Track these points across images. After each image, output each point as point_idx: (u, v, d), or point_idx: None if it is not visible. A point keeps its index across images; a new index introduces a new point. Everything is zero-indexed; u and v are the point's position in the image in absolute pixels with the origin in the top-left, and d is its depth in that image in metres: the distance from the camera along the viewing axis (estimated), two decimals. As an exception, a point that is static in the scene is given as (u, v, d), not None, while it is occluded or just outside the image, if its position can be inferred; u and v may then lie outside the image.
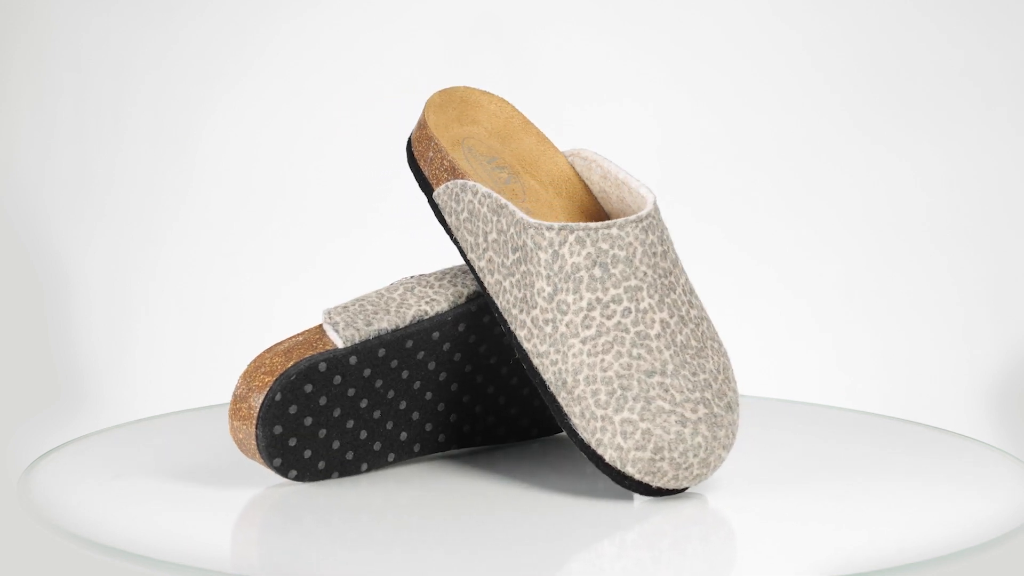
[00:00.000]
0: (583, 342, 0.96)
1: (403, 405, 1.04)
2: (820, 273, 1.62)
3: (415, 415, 1.05)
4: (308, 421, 1.00)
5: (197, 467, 1.04)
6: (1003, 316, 1.60)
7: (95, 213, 1.64)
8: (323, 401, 1.01)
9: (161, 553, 0.87)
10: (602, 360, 0.96)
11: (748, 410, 1.16)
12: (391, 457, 1.04)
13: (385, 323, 1.03)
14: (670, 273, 0.99)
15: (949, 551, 0.88)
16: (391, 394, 1.03)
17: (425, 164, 1.06)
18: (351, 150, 1.65)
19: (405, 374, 1.03)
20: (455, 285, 1.06)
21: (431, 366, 1.04)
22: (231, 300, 1.63)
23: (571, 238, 0.97)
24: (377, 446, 1.03)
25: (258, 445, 1.00)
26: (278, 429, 0.99)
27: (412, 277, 1.07)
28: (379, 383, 1.03)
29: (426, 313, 1.04)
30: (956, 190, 1.62)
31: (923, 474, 1.04)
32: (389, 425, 1.04)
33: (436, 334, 1.04)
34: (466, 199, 1.02)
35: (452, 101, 1.08)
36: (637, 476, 0.95)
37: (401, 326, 1.03)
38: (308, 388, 1.00)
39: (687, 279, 1.00)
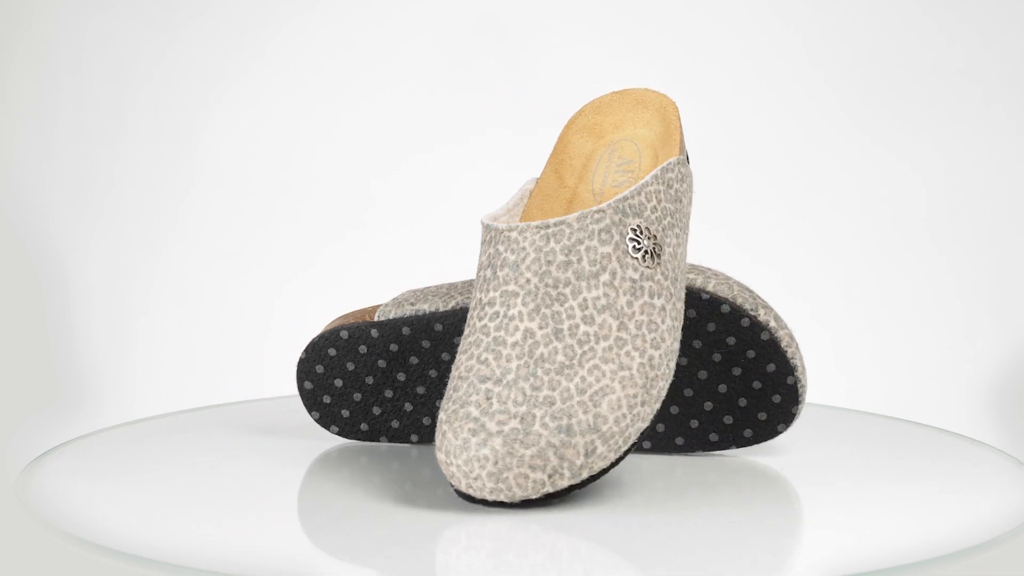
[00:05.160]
0: (461, 340, 0.96)
1: None
2: (820, 273, 1.62)
3: None
4: (339, 383, 1.06)
5: (197, 467, 1.04)
6: (1003, 316, 1.60)
7: (95, 213, 1.64)
8: (351, 367, 1.06)
9: (161, 553, 0.87)
10: (458, 359, 0.95)
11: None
12: None
13: (427, 306, 1.05)
14: (565, 284, 0.93)
15: (949, 551, 0.88)
16: (433, 373, 1.05)
17: None
18: (351, 150, 1.65)
19: (446, 356, 1.05)
20: None
21: None
22: (231, 300, 1.63)
23: (486, 238, 0.96)
24: (427, 420, 1.06)
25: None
26: (308, 385, 1.06)
27: None
28: (414, 360, 1.05)
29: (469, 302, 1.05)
30: (956, 189, 1.62)
31: (922, 474, 1.04)
32: (439, 403, 1.05)
33: None
34: None
35: (625, 102, 1.05)
36: (446, 477, 0.93)
37: (440, 310, 1.05)
38: (332, 352, 1.06)
39: (606, 295, 0.94)
